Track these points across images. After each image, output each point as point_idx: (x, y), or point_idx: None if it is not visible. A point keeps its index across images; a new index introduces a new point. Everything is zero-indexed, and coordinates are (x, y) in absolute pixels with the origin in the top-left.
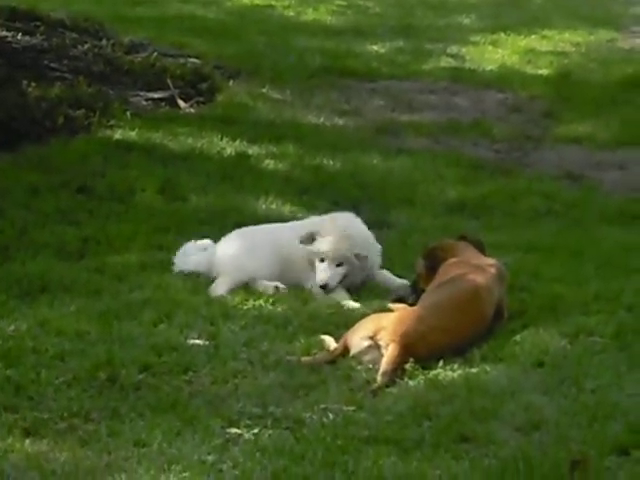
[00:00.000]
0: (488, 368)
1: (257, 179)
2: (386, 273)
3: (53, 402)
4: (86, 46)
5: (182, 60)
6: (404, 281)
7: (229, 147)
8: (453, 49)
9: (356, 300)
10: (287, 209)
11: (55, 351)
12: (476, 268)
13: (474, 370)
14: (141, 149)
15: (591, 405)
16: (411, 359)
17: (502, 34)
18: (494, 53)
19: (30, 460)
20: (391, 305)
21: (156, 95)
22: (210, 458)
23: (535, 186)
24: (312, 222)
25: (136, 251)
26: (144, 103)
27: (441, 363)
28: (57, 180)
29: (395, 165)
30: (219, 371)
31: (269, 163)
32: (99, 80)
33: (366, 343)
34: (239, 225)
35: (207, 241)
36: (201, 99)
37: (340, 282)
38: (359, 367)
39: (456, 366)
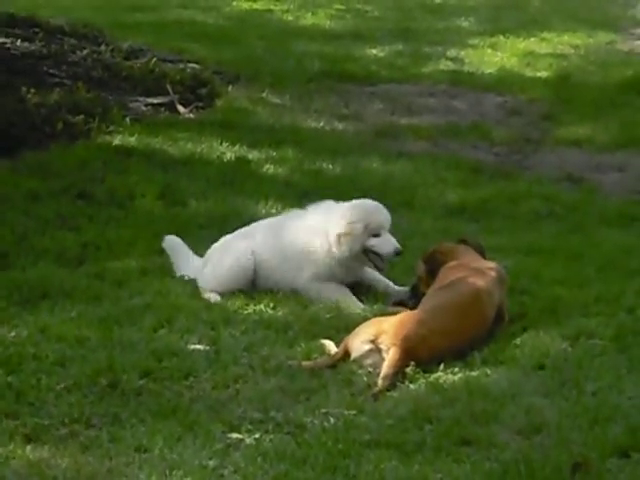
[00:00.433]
0: (489, 371)
1: (257, 184)
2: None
3: (54, 408)
4: (85, 52)
5: (181, 65)
6: (387, 281)
7: (229, 152)
8: (452, 52)
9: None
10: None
11: (56, 357)
12: (476, 271)
13: (475, 373)
14: (141, 154)
15: (592, 408)
16: (412, 363)
17: (501, 37)
18: (493, 56)
19: (31, 466)
20: (391, 309)
21: (155, 100)
22: (211, 463)
23: (535, 189)
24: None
25: (136, 256)
26: (143, 108)
27: (442, 366)
28: (57, 186)
29: (395, 169)
30: (220, 376)
31: (269, 168)
32: (98, 86)
33: (367, 347)
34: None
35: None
36: (200, 104)
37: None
38: (360, 371)
39: (457, 369)
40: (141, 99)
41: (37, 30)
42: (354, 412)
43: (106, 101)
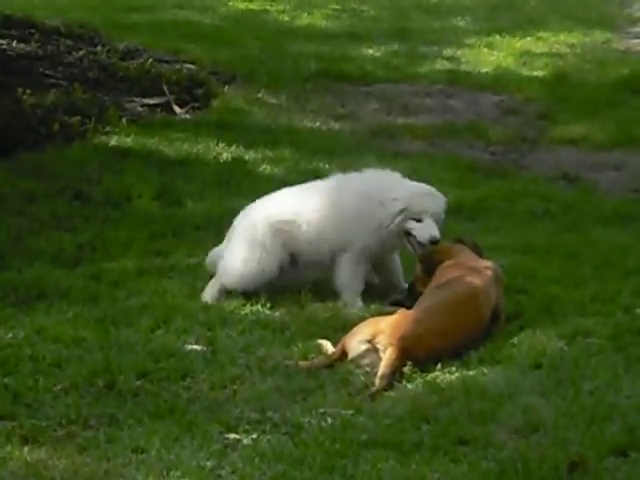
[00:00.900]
0: (486, 370)
1: (253, 184)
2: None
3: (51, 409)
4: (81, 53)
5: (177, 66)
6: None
7: (225, 152)
8: (448, 52)
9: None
10: None
11: (52, 358)
12: (473, 270)
13: (472, 373)
14: (137, 155)
15: (589, 407)
16: (409, 362)
17: (497, 36)
18: (489, 55)
19: (29, 468)
20: (389, 309)
21: (152, 101)
22: (209, 464)
23: (531, 188)
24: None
25: (132, 257)
26: (140, 109)
27: (439, 366)
28: (53, 187)
29: (392, 168)
30: (217, 377)
31: (265, 168)
32: (94, 86)
33: (364, 347)
34: None
35: None
36: (197, 105)
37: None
38: (357, 371)
39: (454, 369)
40: (137, 100)
41: (33, 31)
42: (351, 412)
43: (102, 102)
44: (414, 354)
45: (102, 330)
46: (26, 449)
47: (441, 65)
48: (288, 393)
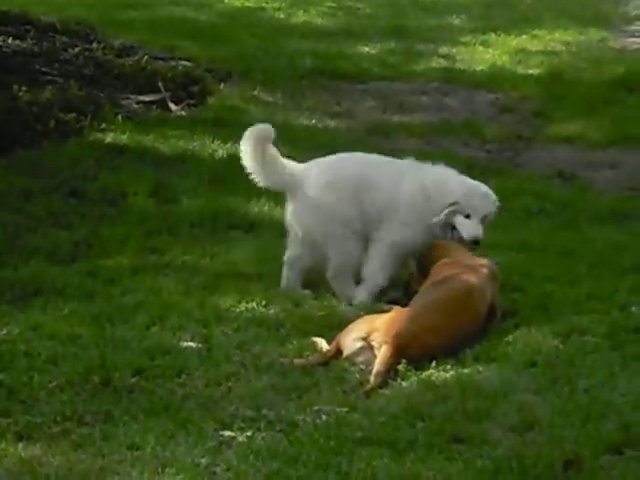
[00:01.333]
0: (481, 368)
1: (249, 182)
2: None
3: (46, 406)
4: (77, 49)
5: (173, 63)
6: None
7: (220, 149)
8: (444, 50)
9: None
10: (279, 211)
11: (48, 355)
12: (469, 268)
13: (467, 370)
14: (132, 152)
15: (584, 404)
16: (404, 360)
17: (492, 34)
18: (485, 53)
19: (23, 464)
20: (385, 307)
21: (147, 98)
22: (203, 461)
23: (527, 186)
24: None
25: (128, 254)
26: (135, 106)
27: (434, 364)
28: (49, 184)
29: None
30: (212, 374)
31: None
32: (90, 83)
33: (359, 344)
34: (231, 227)
35: None
36: (192, 102)
37: None
38: (352, 368)
39: (449, 366)
40: (133, 97)
41: (29, 28)
42: (346, 409)
43: (98, 99)
44: (409, 352)
45: (97, 327)
46: (21, 445)
47: (437, 63)
48: (283, 391)
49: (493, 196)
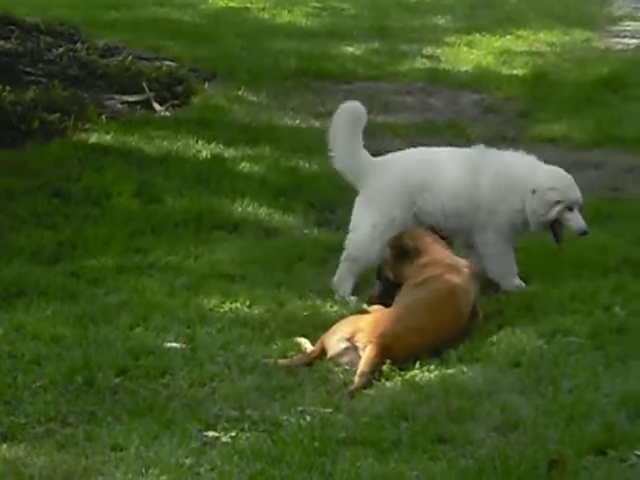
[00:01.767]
0: (465, 369)
1: (233, 182)
2: None
3: (30, 406)
4: (61, 50)
5: (157, 63)
6: None
7: (205, 150)
8: (428, 50)
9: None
10: (263, 211)
11: (31, 355)
12: (451, 268)
13: (451, 371)
14: (117, 152)
15: (568, 405)
16: (388, 360)
17: (477, 35)
18: (469, 54)
19: (7, 465)
20: (367, 307)
21: (131, 98)
22: (187, 461)
23: None
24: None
25: (112, 254)
26: (119, 106)
27: (418, 364)
28: (33, 184)
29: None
30: (196, 374)
31: (245, 165)
32: (74, 84)
33: (343, 345)
34: (215, 228)
35: None
36: (176, 102)
37: None
38: (336, 369)
39: (433, 367)
40: (117, 97)
41: (13, 28)
42: (330, 410)
43: (82, 99)
44: (393, 352)
45: (81, 327)
46: (4, 446)
47: (421, 63)
48: (267, 391)
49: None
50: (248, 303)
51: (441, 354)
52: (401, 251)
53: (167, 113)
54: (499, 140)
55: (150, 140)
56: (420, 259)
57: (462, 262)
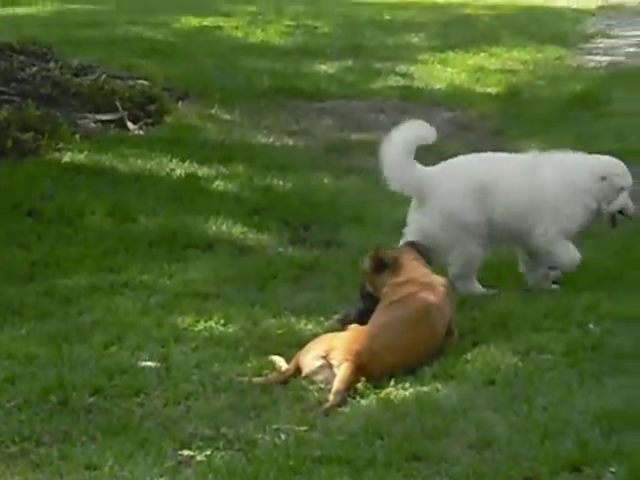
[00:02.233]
0: (439, 386)
1: (207, 200)
2: None
3: (4, 426)
4: (34, 69)
5: (131, 82)
6: None
7: (178, 168)
8: (402, 68)
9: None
10: (237, 230)
11: (5, 375)
12: (427, 286)
13: (426, 388)
14: (90, 171)
15: (542, 422)
16: (363, 378)
17: (450, 52)
18: (443, 72)
19: None
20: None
21: (105, 117)
22: None
23: None
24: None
25: (85, 274)
26: (93, 125)
27: (393, 382)
28: (6, 203)
29: (345, 184)
30: (171, 393)
31: (219, 184)
32: (47, 103)
33: (318, 363)
34: (189, 246)
35: None
36: (150, 121)
37: None
38: (311, 387)
39: (408, 384)
40: (90, 116)
41: None
42: (305, 428)
43: (55, 118)
44: (368, 370)
45: (55, 347)
46: None
47: (395, 81)
48: (242, 410)
49: None
50: (222, 322)
51: (416, 372)
52: (379, 263)
53: (141, 132)
54: None
55: (124, 159)
56: (397, 277)
57: (438, 280)
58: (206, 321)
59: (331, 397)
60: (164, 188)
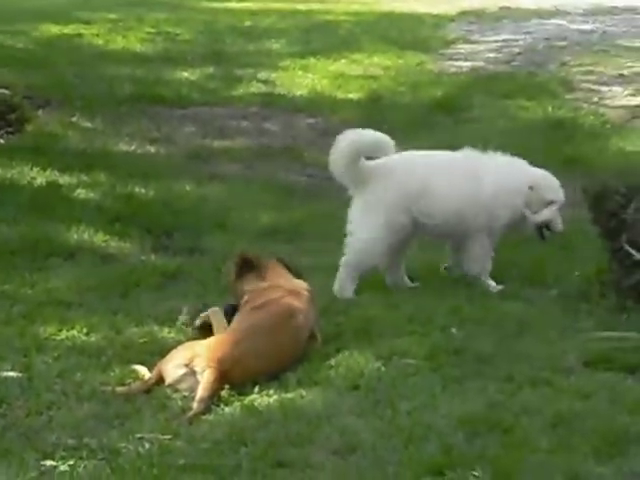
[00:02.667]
0: (304, 392)
1: (68, 208)
2: None
3: None
4: None
5: None
6: None
7: (40, 177)
8: (263, 75)
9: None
10: (100, 238)
11: None
12: (290, 292)
13: (290, 395)
14: None
15: (406, 427)
16: (227, 385)
17: (312, 59)
18: (304, 78)
19: None
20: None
21: None
22: None
23: (346, 210)
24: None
25: None
26: None
27: (257, 388)
28: None
29: (208, 191)
30: (33, 403)
31: (80, 192)
32: None
33: (181, 371)
34: (50, 255)
35: None
36: (10, 129)
37: None
38: (175, 395)
39: (272, 391)
40: None
41: None
42: (169, 436)
43: None
44: (232, 376)
45: None
46: None
47: (256, 88)
48: (105, 419)
49: None
50: (85, 330)
51: (280, 378)
52: (245, 264)
53: (1, 140)
54: None
55: None
56: (260, 284)
57: (301, 285)
58: (69, 330)
59: (195, 405)
60: (25, 197)
